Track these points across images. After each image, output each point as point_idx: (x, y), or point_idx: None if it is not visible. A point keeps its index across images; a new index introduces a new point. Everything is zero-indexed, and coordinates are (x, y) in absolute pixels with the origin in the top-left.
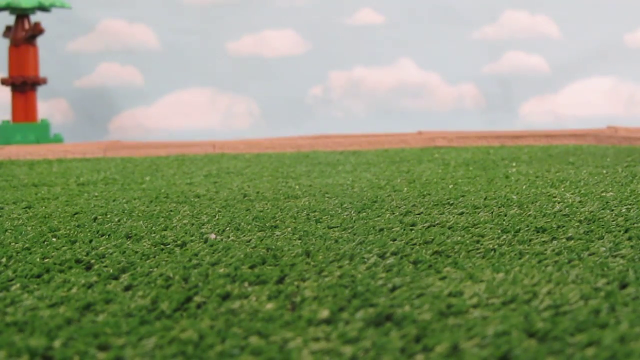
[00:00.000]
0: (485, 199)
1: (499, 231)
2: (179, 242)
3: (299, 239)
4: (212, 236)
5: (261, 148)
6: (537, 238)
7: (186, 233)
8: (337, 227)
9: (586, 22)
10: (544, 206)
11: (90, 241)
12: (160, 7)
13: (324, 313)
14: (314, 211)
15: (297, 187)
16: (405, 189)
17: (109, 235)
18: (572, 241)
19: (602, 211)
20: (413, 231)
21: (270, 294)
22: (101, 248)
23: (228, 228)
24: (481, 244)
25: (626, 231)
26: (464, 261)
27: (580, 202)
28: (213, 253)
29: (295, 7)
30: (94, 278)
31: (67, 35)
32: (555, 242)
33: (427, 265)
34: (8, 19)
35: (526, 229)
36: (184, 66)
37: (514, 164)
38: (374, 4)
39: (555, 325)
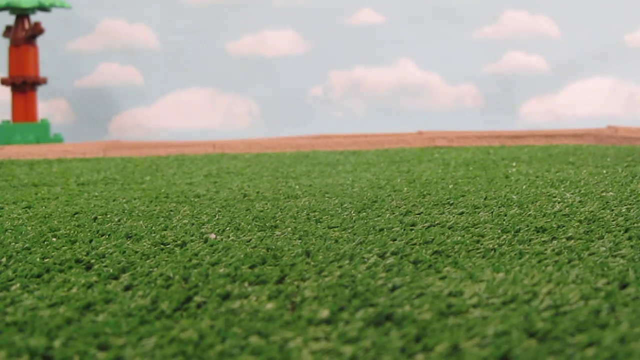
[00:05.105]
0: (485, 198)
1: (499, 231)
2: (179, 242)
3: (299, 239)
4: (212, 236)
5: (261, 148)
6: (537, 238)
7: (186, 233)
8: (337, 227)
9: (586, 22)
10: (544, 206)
11: (90, 241)
12: (160, 7)
13: (324, 313)
14: (314, 211)
15: (297, 187)
16: (405, 189)
17: (109, 235)
18: (572, 241)
19: (602, 211)
20: (413, 231)
21: (270, 293)
22: (101, 248)
23: (228, 228)
24: (481, 244)
25: (626, 231)
26: (464, 261)
27: (580, 202)
28: (213, 253)
29: (295, 7)
30: (94, 278)
31: (67, 35)
32: (555, 242)
33: (427, 265)
34: (8, 19)
35: (526, 228)
36: (184, 66)
37: (514, 164)
38: (374, 4)
39: (556, 325)
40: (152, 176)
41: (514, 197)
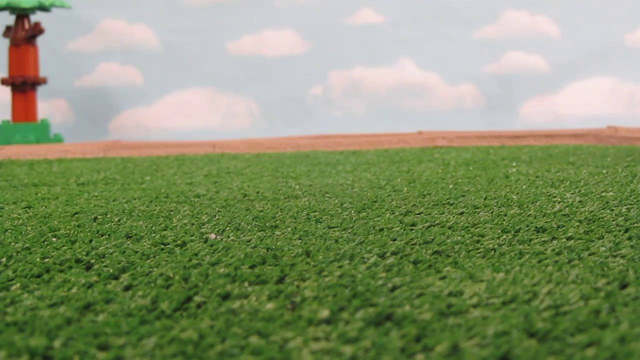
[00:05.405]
0: (485, 198)
1: (499, 231)
2: (179, 242)
3: (299, 239)
4: (212, 236)
5: (261, 148)
6: (537, 238)
7: (186, 233)
8: (337, 227)
9: (586, 22)
10: (544, 206)
11: (90, 241)
12: (160, 7)
13: (324, 313)
14: (314, 211)
15: (297, 187)
16: (405, 189)
17: (109, 235)
18: (572, 241)
19: (602, 211)
20: (413, 231)
21: (270, 293)
22: (101, 248)
23: (228, 228)
24: (481, 244)
25: (626, 231)
26: (464, 261)
27: (580, 202)
28: (213, 253)
29: (295, 7)
30: (94, 278)
31: (67, 35)
32: (555, 242)
33: (427, 265)
34: (8, 19)
35: (526, 228)
36: (184, 66)
37: (514, 164)
38: (374, 4)
39: (556, 325)
40: (152, 176)
41: (514, 197)
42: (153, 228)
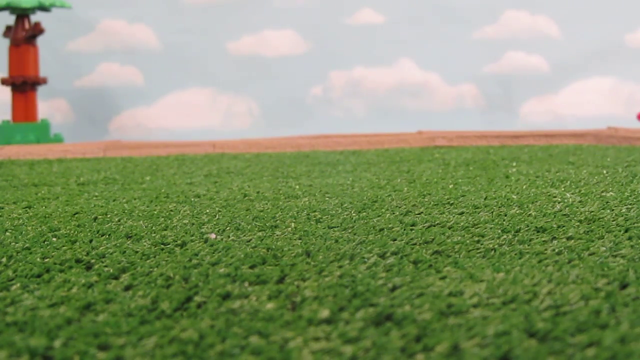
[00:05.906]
0: (485, 198)
1: (499, 231)
2: (179, 242)
3: (299, 239)
4: (212, 236)
5: (261, 148)
6: (537, 238)
7: (186, 233)
8: (337, 227)
9: (586, 22)
10: (544, 206)
11: (91, 241)
12: (160, 7)
13: (324, 313)
14: (314, 211)
15: (297, 187)
16: (405, 188)
17: (109, 235)
18: (573, 241)
19: (602, 211)
20: (413, 231)
21: (270, 293)
22: (101, 248)
23: (228, 228)
24: (481, 244)
25: (626, 231)
26: (464, 261)
27: (580, 202)
28: (213, 253)
29: (295, 7)
30: (94, 278)
31: (67, 35)
32: (555, 241)
33: (427, 265)
34: (8, 19)
35: (526, 228)
36: (184, 66)
37: (514, 164)
38: (374, 4)
39: (556, 326)
40: (152, 176)
41: (514, 197)
42: (153, 228)
